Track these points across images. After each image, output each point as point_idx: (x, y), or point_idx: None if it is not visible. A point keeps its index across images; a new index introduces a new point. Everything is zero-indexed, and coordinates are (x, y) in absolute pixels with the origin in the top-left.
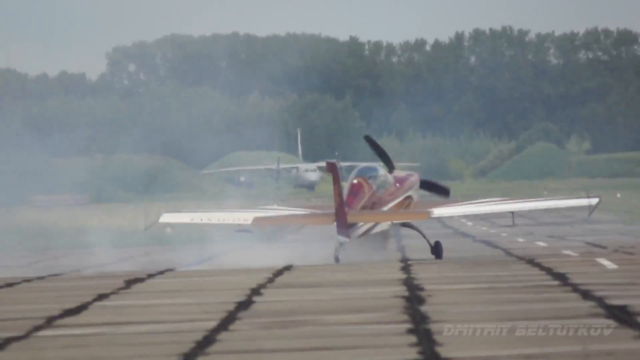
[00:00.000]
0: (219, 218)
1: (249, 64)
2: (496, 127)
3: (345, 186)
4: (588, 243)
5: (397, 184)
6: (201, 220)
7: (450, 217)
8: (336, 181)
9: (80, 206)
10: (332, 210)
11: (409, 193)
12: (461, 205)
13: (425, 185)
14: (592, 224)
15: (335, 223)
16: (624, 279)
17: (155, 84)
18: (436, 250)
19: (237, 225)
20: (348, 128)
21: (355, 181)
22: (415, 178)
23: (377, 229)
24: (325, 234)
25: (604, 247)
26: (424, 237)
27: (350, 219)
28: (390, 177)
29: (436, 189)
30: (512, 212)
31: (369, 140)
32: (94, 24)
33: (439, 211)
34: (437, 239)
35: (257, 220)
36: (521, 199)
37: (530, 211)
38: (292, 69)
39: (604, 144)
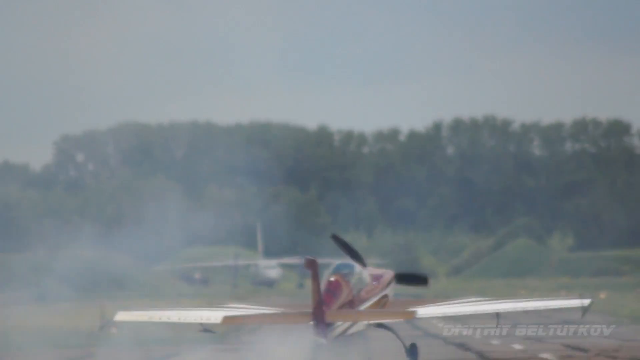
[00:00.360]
0: (181, 316)
1: (208, 154)
2: (473, 222)
3: (323, 284)
4: (568, 346)
5: (374, 282)
6: (160, 318)
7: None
8: (315, 278)
9: (22, 305)
10: (308, 309)
11: (386, 291)
12: (445, 305)
13: (402, 278)
14: (572, 325)
15: (312, 323)
16: None
17: (105, 175)
18: (412, 353)
19: (201, 324)
20: (313, 222)
21: (332, 279)
22: (390, 275)
23: (353, 329)
24: (288, 335)
25: (585, 351)
26: (399, 338)
27: (330, 318)
28: (366, 274)
29: (414, 280)
30: (498, 314)
31: (337, 239)
32: (41, 110)
33: (424, 311)
34: (412, 341)
35: (227, 319)
36: (506, 298)
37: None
38: (254, 159)
39: (588, 241)
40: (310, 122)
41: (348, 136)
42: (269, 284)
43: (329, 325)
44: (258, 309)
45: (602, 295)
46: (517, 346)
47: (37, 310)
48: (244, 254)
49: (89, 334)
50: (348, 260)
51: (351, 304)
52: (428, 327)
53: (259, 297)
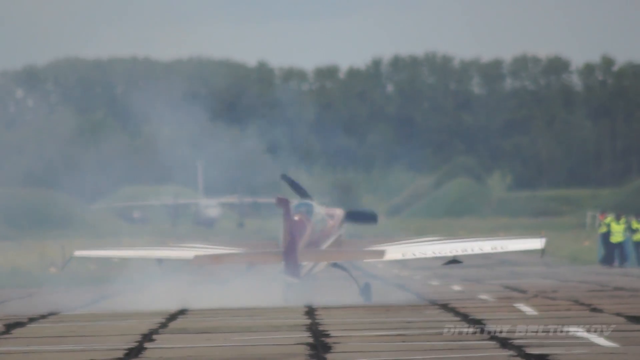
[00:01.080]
0: (149, 255)
1: (146, 90)
2: (413, 161)
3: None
4: (507, 287)
5: (330, 220)
6: (119, 257)
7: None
8: (287, 218)
9: None
10: (275, 249)
11: (340, 230)
12: (410, 244)
13: (352, 216)
14: (511, 266)
15: (284, 262)
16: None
17: (45, 111)
18: (365, 292)
19: (173, 261)
20: (253, 161)
21: (295, 218)
22: (341, 213)
23: (316, 268)
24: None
25: (524, 292)
26: (353, 278)
27: (303, 258)
28: (323, 213)
29: (364, 219)
30: (453, 261)
31: (287, 178)
32: None
33: (392, 252)
34: (366, 280)
35: (198, 258)
36: (461, 238)
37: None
38: (194, 96)
39: (527, 181)
40: (249, 58)
41: (289, 73)
42: (209, 223)
43: (299, 264)
44: (213, 247)
45: (543, 234)
46: (456, 287)
47: None
48: (184, 193)
49: (27, 273)
50: (304, 199)
51: (314, 243)
52: (367, 267)
53: (198, 236)
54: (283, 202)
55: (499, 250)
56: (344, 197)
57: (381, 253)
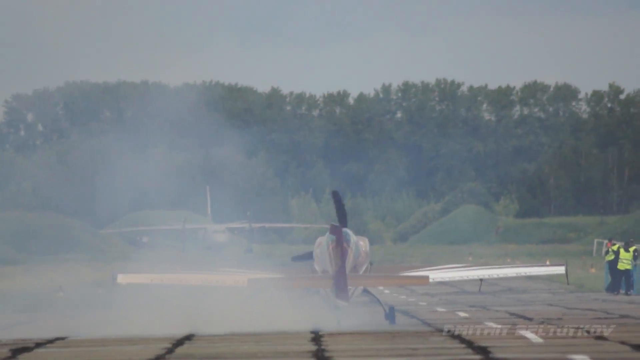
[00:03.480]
0: (204, 280)
1: (157, 115)
2: (421, 187)
3: (329, 248)
4: (512, 314)
5: (363, 247)
6: (164, 281)
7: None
8: (339, 244)
9: None
10: (322, 274)
11: (369, 257)
12: (450, 270)
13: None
14: (517, 293)
15: (334, 286)
16: (549, 353)
17: (54, 135)
18: (390, 315)
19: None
20: (261, 187)
21: (334, 245)
22: (366, 240)
23: (356, 293)
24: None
25: (530, 319)
26: (380, 302)
27: (351, 283)
28: (359, 241)
29: (339, 207)
30: (481, 280)
31: (336, 196)
32: None
33: (435, 275)
34: (391, 305)
35: (252, 282)
36: (478, 265)
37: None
38: (203, 120)
39: (534, 207)
40: (261, 84)
41: (299, 98)
42: (217, 248)
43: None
44: (247, 272)
45: (547, 262)
46: (462, 314)
47: None
48: (192, 218)
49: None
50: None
51: (354, 268)
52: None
53: (205, 261)
54: (337, 230)
55: (523, 275)
56: (351, 223)
57: (425, 278)
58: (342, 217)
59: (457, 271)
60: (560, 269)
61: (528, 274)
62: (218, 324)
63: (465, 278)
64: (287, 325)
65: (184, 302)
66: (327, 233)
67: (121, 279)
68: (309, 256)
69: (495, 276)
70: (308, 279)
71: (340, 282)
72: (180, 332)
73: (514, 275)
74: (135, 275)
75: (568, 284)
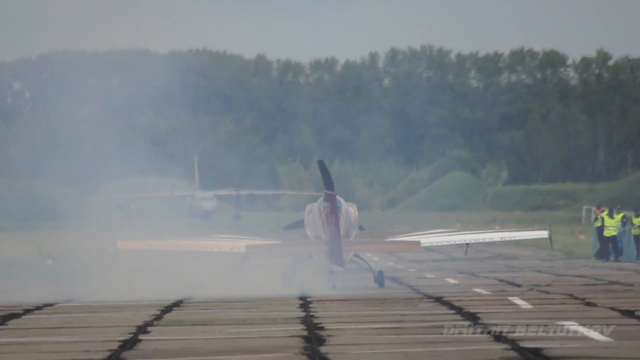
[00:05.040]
0: (202, 246)
1: (144, 83)
2: (409, 154)
3: (322, 215)
4: (501, 280)
5: (353, 213)
6: (164, 248)
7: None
8: (333, 211)
9: None
10: (316, 240)
11: (359, 222)
12: (439, 235)
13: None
14: (506, 259)
15: (328, 252)
16: (539, 319)
17: (42, 103)
18: (379, 279)
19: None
20: (249, 154)
21: (329, 212)
22: (354, 205)
23: (348, 257)
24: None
25: (518, 285)
26: (369, 266)
27: (348, 248)
28: (348, 208)
29: (325, 175)
30: (467, 244)
31: (322, 165)
32: None
33: (426, 240)
34: (380, 269)
35: (250, 248)
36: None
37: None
38: (191, 88)
39: (522, 174)
40: (247, 50)
41: (286, 65)
42: (205, 215)
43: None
44: (244, 238)
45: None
46: (451, 280)
47: None
48: (180, 185)
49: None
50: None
51: (346, 235)
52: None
53: (194, 228)
54: (331, 198)
55: (508, 239)
56: (338, 190)
57: (417, 243)
58: (330, 185)
59: (445, 236)
60: (544, 234)
61: (512, 238)
62: (208, 290)
63: (453, 243)
64: (277, 291)
65: (173, 269)
66: (320, 200)
67: (121, 244)
68: (299, 224)
69: (482, 240)
70: (304, 244)
71: (335, 247)
72: (169, 298)
73: (499, 239)
74: (134, 241)
75: (552, 249)
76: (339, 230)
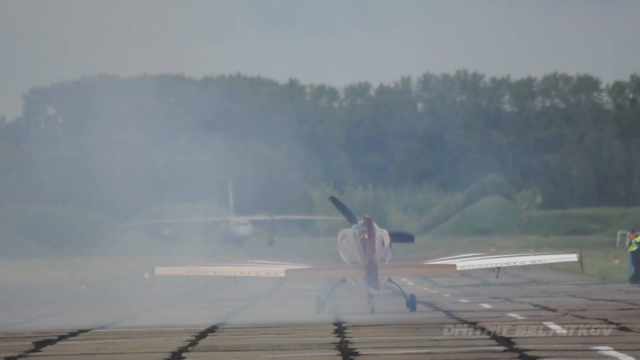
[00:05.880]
0: (241, 271)
1: (179, 108)
2: (442, 179)
3: (358, 240)
4: (536, 305)
5: (386, 238)
6: (208, 273)
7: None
8: (372, 236)
9: None
10: (352, 264)
11: (391, 249)
12: (475, 258)
13: (393, 236)
14: (541, 284)
15: (366, 275)
16: (573, 344)
17: (75, 128)
18: (411, 303)
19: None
20: (283, 178)
21: (367, 236)
22: (387, 234)
23: (383, 282)
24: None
25: (553, 310)
26: (402, 291)
27: (382, 272)
28: (382, 234)
29: (403, 239)
30: (499, 267)
31: (335, 201)
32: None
33: (461, 264)
34: (412, 293)
35: (289, 272)
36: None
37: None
38: (225, 112)
39: (557, 199)
40: (281, 75)
41: (319, 90)
42: (239, 240)
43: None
44: (281, 264)
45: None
46: (486, 305)
47: (4, 265)
48: (214, 210)
49: (58, 290)
50: (351, 220)
51: (381, 259)
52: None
53: (228, 253)
54: (369, 222)
55: (538, 263)
56: (373, 215)
57: (453, 266)
58: (350, 216)
59: (479, 259)
60: (573, 257)
61: (542, 261)
62: (242, 316)
63: (486, 266)
64: (311, 316)
65: (208, 295)
66: (355, 225)
67: (159, 271)
68: (347, 213)
69: (512, 264)
70: (342, 268)
71: (372, 271)
72: (203, 323)
73: (530, 262)
74: (172, 268)
75: (582, 271)
76: (374, 252)
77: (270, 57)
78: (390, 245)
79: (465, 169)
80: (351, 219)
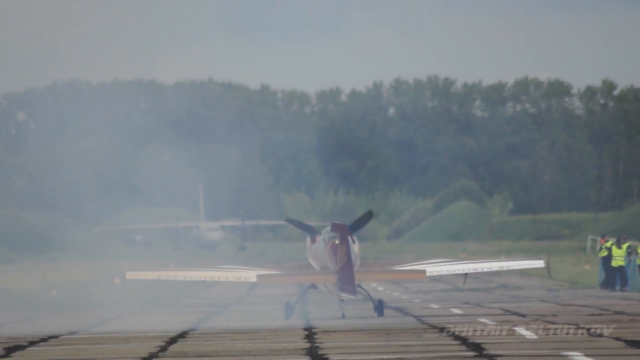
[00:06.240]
0: (211, 276)
1: (150, 113)
2: (414, 184)
3: (328, 246)
4: (506, 311)
5: (354, 244)
6: (175, 278)
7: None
8: (343, 242)
9: None
10: (322, 270)
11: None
12: (445, 264)
13: (356, 227)
14: (511, 290)
15: (339, 281)
16: (544, 350)
17: (47, 134)
18: (379, 308)
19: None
20: (255, 184)
21: (337, 242)
22: (354, 237)
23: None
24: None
25: (524, 315)
26: (369, 296)
27: (358, 277)
28: (350, 239)
29: (364, 221)
30: (466, 274)
31: (292, 221)
32: None
33: (431, 270)
34: (380, 298)
35: (261, 277)
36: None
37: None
38: (197, 118)
39: (528, 204)
40: (252, 81)
41: (291, 95)
42: (211, 246)
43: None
44: (249, 269)
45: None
46: (456, 310)
47: None
48: (185, 216)
49: (28, 296)
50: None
51: (353, 264)
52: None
53: (199, 259)
54: (340, 228)
55: (505, 269)
56: (343, 220)
57: (422, 272)
58: (310, 229)
59: (449, 265)
60: (540, 263)
61: (510, 267)
62: (213, 322)
63: (455, 272)
64: (281, 321)
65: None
66: (325, 230)
67: (129, 275)
68: (306, 228)
69: (480, 270)
70: (315, 273)
71: (346, 276)
72: (174, 329)
73: (497, 269)
74: (143, 272)
75: (550, 277)
76: (350, 258)
77: (242, 63)
78: (359, 249)
79: (436, 174)
80: (312, 231)
